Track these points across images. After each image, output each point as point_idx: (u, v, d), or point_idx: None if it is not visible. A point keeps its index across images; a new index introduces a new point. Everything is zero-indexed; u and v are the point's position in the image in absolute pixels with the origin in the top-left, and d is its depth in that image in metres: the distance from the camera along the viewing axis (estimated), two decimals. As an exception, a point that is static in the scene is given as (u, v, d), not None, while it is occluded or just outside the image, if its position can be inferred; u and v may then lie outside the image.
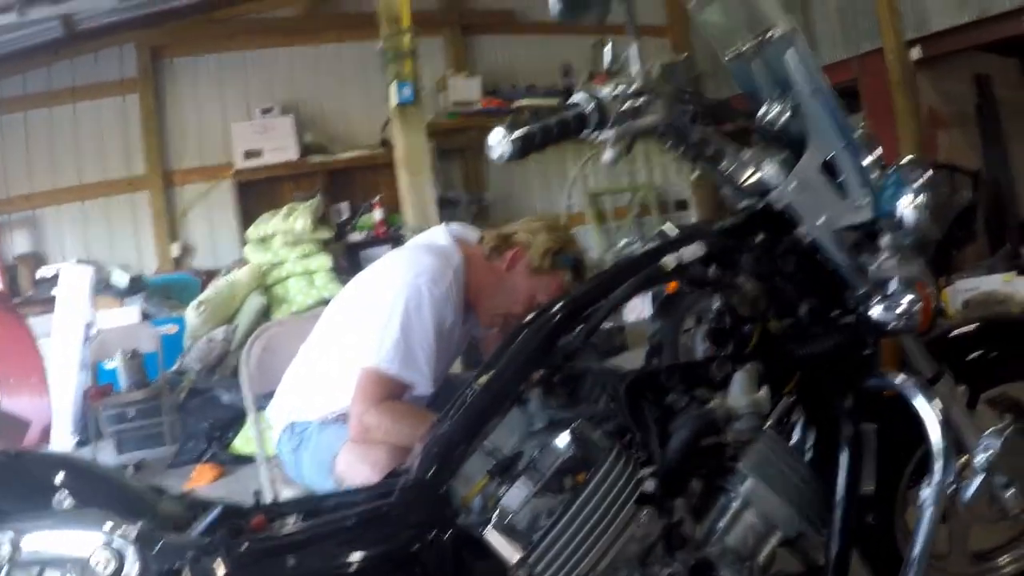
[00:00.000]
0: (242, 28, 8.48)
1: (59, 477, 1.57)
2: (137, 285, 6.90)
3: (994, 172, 8.07)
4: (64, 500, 1.53)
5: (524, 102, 8.49)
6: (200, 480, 5.17)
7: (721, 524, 1.70)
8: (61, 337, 5.84)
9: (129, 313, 6.77)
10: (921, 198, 1.64)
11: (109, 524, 1.42)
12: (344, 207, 8.44)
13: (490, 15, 9.44)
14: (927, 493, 1.72)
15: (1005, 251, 7.42)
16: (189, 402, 5.95)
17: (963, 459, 1.90)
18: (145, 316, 6.79)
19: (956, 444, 1.84)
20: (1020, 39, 7.00)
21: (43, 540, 1.43)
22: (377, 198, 8.34)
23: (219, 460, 5.51)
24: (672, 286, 1.86)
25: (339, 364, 2.34)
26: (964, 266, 7.12)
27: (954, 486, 1.80)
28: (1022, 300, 6.24)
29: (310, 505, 1.78)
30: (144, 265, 7.85)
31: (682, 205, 9.79)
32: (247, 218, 7.80)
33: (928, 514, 1.72)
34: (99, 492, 1.59)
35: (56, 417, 5.44)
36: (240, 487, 4.72)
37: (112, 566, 1.39)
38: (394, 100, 5.95)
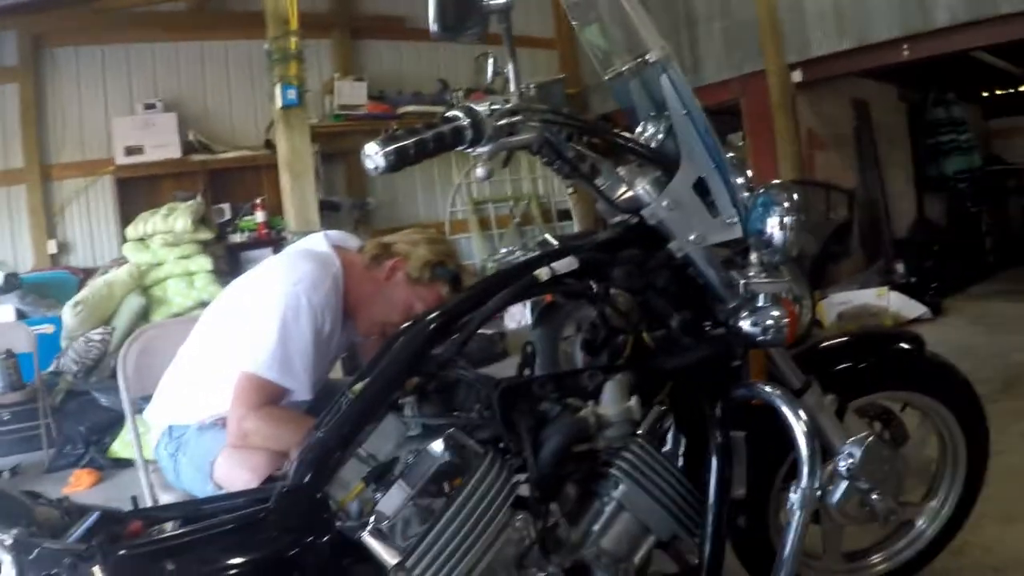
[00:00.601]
0: (128, 20, 8.24)
1: (-70, 485, 1.55)
2: (12, 283, 6.68)
3: (870, 192, 8.39)
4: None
5: (409, 108, 8.50)
6: (78, 485, 5.04)
7: (596, 527, 1.76)
8: (-68, 336, 5.65)
9: (3, 312, 6.56)
10: (788, 218, 1.72)
11: (-17, 531, 1.40)
12: (226, 208, 8.27)
13: (379, 20, 9.38)
14: (795, 498, 1.80)
15: (878, 266, 7.74)
16: (66, 405, 5.80)
17: (830, 465, 1.99)
18: (20, 315, 6.58)
19: (824, 451, 1.93)
20: (897, 67, 7.30)
21: (-87, 549, 1.40)
22: (259, 200, 8.23)
23: (97, 465, 5.38)
24: (549, 296, 1.91)
25: (217, 369, 2.33)
26: (840, 280, 7.39)
27: (820, 491, 1.88)
28: (893, 313, 6.53)
29: (188, 510, 1.79)
30: (19, 262, 7.59)
31: (565, 215, 9.91)
32: (127, 216, 7.57)
33: (796, 517, 1.80)
34: (-29, 499, 1.56)
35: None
36: (119, 492, 4.62)
37: (-13, 574, 1.37)
38: (279, 102, 5.93)
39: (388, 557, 1.54)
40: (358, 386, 1.69)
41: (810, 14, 7.45)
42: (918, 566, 2.43)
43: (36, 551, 1.42)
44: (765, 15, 7.65)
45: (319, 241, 2.54)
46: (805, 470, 1.78)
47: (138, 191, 7.93)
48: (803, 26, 7.53)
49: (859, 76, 7.98)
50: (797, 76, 7.71)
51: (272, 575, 1.58)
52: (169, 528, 1.67)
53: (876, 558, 2.42)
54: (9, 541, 1.40)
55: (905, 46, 6.78)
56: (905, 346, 2.30)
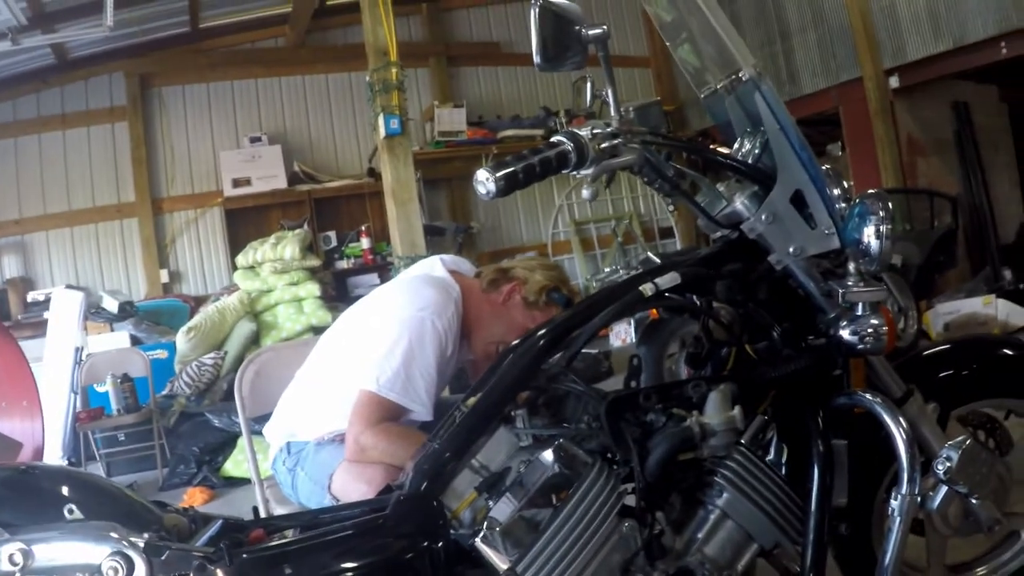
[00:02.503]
0: (230, 58, 8.59)
1: (67, 490, 1.64)
2: (127, 311, 6.94)
3: (973, 197, 8.18)
4: (73, 512, 1.60)
5: (509, 132, 8.54)
6: (191, 503, 5.18)
7: (700, 535, 1.77)
8: (52, 361, 5.88)
9: (119, 338, 6.82)
10: (883, 227, 1.73)
11: (118, 534, 1.50)
12: (332, 235, 8.54)
13: (475, 46, 9.56)
14: (895, 504, 1.80)
15: (985, 274, 7.52)
16: (180, 426, 6.00)
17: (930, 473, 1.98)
18: (135, 341, 6.84)
19: (925, 459, 1.92)
20: (997, 66, 7.13)
21: (54, 549, 1.49)
22: (364, 227, 8.44)
23: (210, 483, 5.57)
24: (653, 313, 1.92)
25: (337, 389, 2.40)
26: (946, 289, 7.21)
27: (920, 497, 1.86)
28: (1002, 322, 6.33)
29: (307, 519, 1.85)
30: (134, 290, 7.91)
31: (667, 233, 9.89)
32: (235, 245, 7.86)
33: (896, 524, 1.80)
34: (105, 505, 1.66)
35: (47, 439, 5.46)
36: (231, 509, 4.76)
37: (122, 573, 1.45)
38: (382, 132, 6.02)
39: (499, 562, 1.59)
40: (471, 400, 1.76)
41: (904, 18, 7.36)
42: (1024, 578, 2.37)
43: (166, 553, 1.50)
44: (859, 22, 7.58)
45: (436, 266, 2.63)
46: (905, 477, 1.78)
47: (246, 221, 8.22)
48: (898, 30, 7.44)
49: (957, 78, 7.82)
50: (894, 82, 7.62)
51: (389, 579, 1.65)
52: (289, 535, 1.75)
53: (981, 570, 2.35)
54: (142, 544, 1.49)
55: (1003, 44, 6.67)
56: (1008, 352, 2.26)
